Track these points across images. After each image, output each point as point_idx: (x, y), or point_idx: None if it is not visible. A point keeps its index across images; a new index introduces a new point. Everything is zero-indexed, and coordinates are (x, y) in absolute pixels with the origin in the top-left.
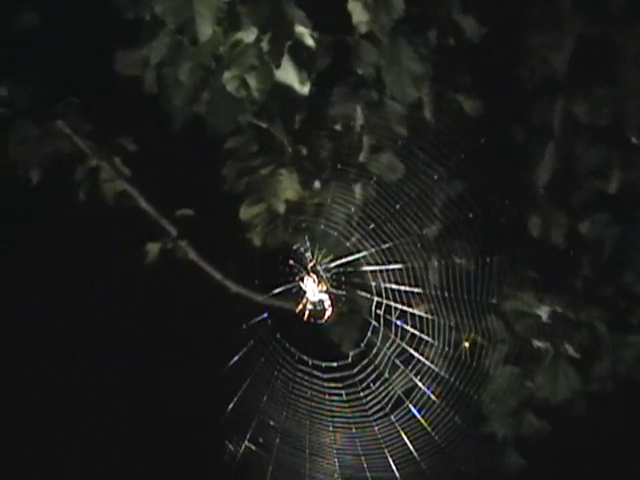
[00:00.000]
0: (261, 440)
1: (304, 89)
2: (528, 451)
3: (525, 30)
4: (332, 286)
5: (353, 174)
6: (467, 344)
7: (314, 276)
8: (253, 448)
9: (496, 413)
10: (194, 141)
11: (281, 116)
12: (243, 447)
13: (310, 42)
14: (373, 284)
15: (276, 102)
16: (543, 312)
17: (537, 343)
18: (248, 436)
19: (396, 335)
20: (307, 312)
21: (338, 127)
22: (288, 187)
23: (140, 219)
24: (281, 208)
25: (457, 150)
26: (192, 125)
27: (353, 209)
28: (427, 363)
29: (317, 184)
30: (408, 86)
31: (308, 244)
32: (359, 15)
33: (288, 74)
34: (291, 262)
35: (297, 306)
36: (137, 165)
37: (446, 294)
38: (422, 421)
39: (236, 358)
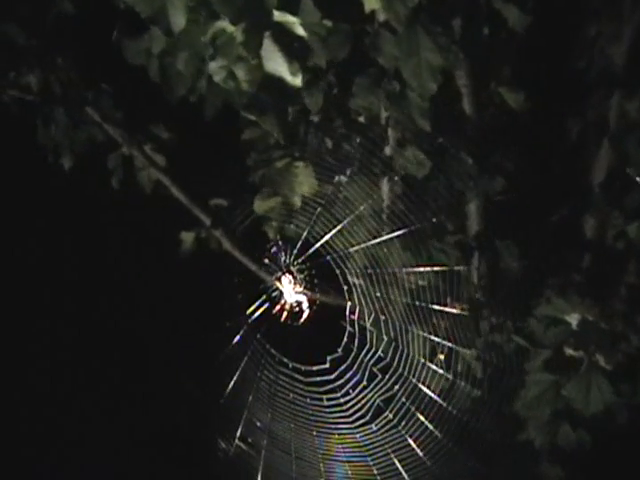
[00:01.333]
0: (250, 440)
1: (296, 81)
2: (566, 462)
3: (582, 20)
4: (307, 288)
5: (379, 169)
6: (442, 356)
7: (290, 276)
8: (244, 447)
9: (532, 421)
10: (227, 131)
11: (273, 109)
12: (234, 445)
13: (301, 32)
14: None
15: (267, 94)
16: (573, 319)
17: (569, 351)
18: (238, 434)
19: (372, 342)
20: (284, 313)
21: (362, 119)
22: (304, 181)
23: (176, 208)
24: (297, 202)
25: (499, 145)
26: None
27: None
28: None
29: (341, 178)
30: (427, 79)
31: (281, 242)
32: (371, 2)
33: (278, 65)
34: (266, 261)
35: (275, 307)
36: (171, 154)
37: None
38: (434, 431)
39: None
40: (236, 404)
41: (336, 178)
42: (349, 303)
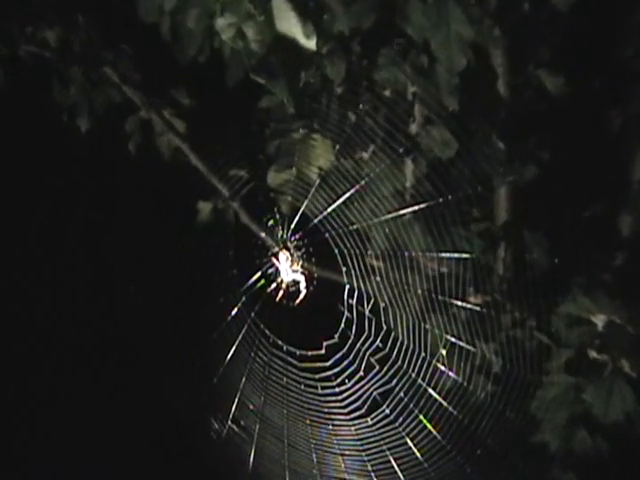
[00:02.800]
0: (243, 423)
1: (310, 43)
2: (580, 469)
3: (632, 4)
4: (304, 267)
5: (403, 147)
6: (444, 352)
7: (287, 253)
8: (236, 429)
9: (548, 424)
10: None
11: (284, 73)
12: (227, 427)
13: None
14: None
15: (278, 56)
16: (599, 320)
17: (593, 354)
18: (231, 416)
19: (369, 330)
20: (280, 292)
21: (387, 93)
22: (322, 154)
23: (194, 177)
24: (313, 176)
25: (534, 132)
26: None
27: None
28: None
29: (363, 155)
30: (456, 52)
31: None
32: None
33: (291, 25)
34: (263, 235)
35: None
36: (191, 120)
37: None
38: (434, 432)
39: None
40: (229, 385)
41: (357, 154)
42: (347, 286)
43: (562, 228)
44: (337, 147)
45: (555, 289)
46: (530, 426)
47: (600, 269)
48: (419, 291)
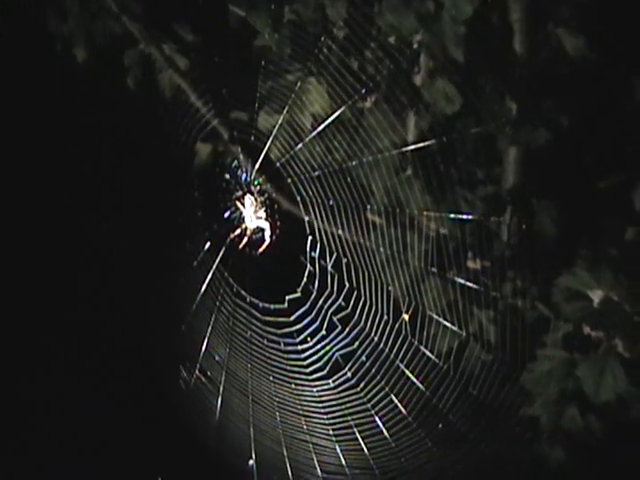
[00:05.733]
0: (209, 374)
1: None
2: (569, 447)
3: None
4: (268, 213)
5: (406, 99)
6: (407, 316)
7: (252, 198)
8: (203, 380)
9: (539, 398)
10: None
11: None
12: (194, 376)
13: None
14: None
15: None
16: (595, 296)
17: (587, 330)
18: (198, 366)
19: (332, 287)
20: (244, 240)
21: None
22: (316, 99)
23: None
24: (307, 122)
25: (550, 94)
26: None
27: None
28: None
29: (365, 104)
30: None
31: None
32: None
33: None
34: (227, 177)
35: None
36: (194, 58)
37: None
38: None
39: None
40: (197, 333)
41: (358, 103)
42: (310, 237)
43: (573, 198)
44: (334, 93)
45: (559, 260)
46: (519, 399)
47: (608, 243)
48: (416, 252)
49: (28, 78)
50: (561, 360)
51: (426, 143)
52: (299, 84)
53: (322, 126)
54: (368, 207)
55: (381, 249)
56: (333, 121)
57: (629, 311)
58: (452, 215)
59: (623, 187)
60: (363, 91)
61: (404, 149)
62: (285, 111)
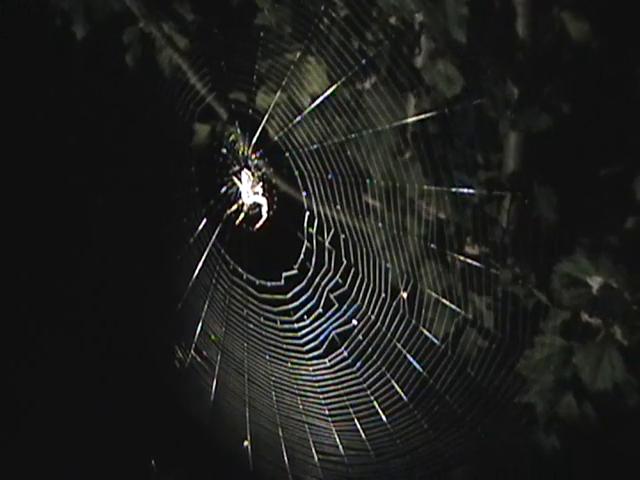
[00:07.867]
0: (205, 353)
1: None
2: (565, 435)
3: None
4: (265, 189)
5: (406, 80)
6: (405, 294)
7: (249, 173)
8: (198, 359)
9: (535, 385)
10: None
11: None
12: (190, 356)
13: None
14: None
15: None
16: (594, 283)
17: (586, 317)
18: (193, 346)
19: (329, 263)
20: (241, 216)
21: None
22: (315, 79)
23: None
24: (305, 101)
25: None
26: None
27: None
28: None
29: (364, 85)
30: None
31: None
32: None
33: None
34: (224, 151)
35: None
36: (194, 38)
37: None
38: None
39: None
40: (192, 312)
41: (357, 85)
42: (307, 213)
43: (574, 185)
44: (334, 74)
45: (559, 248)
46: (516, 385)
47: (608, 231)
48: (415, 238)
49: (27, 54)
50: (559, 347)
51: (426, 115)
52: (298, 64)
53: (321, 98)
54: (367, 189)
55: (379, 224)
56: (332, 94)
57: (628, 299)
58: (454, 189)
59: (624, 176)
60: (363, 61)
61: (404, 121)
62: (283, 90)
